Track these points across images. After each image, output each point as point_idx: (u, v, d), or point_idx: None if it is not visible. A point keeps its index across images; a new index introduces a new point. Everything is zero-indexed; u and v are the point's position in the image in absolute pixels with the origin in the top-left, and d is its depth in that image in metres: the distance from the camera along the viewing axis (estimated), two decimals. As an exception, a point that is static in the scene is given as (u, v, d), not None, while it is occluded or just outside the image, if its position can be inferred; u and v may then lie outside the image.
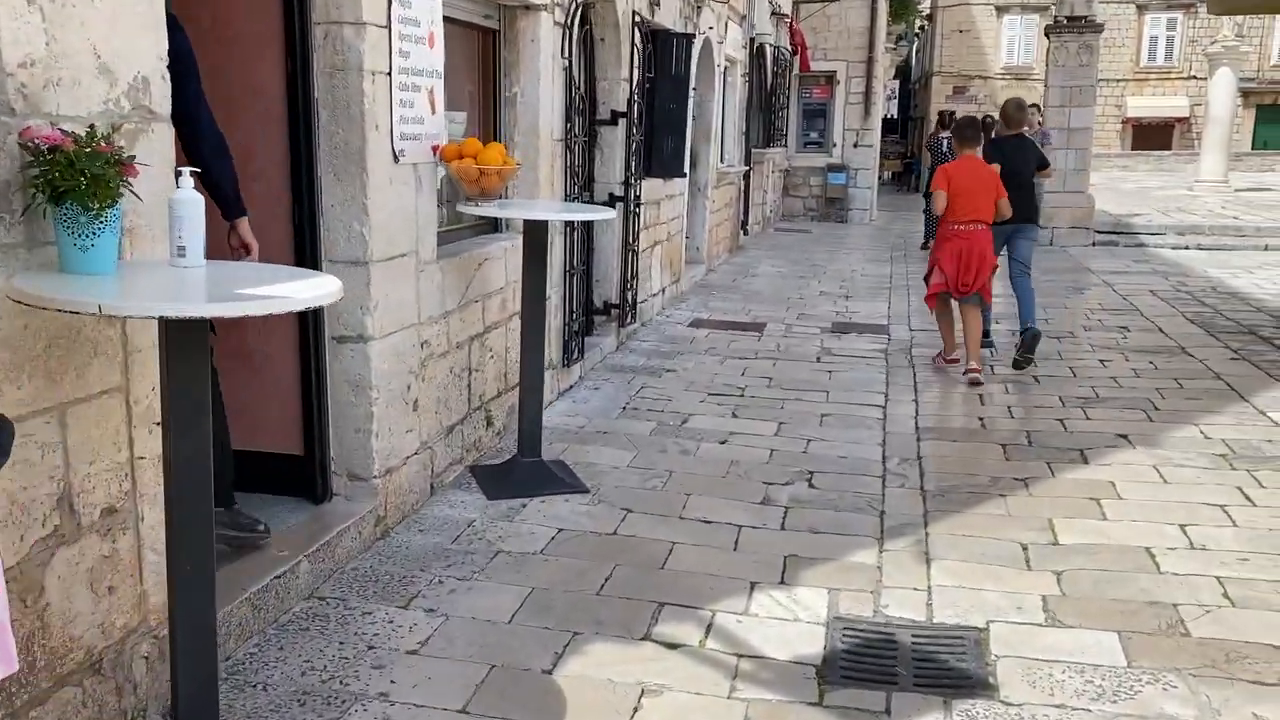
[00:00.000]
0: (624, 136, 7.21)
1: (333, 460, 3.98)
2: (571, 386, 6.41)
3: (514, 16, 5.40)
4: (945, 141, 12.70)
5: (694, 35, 9.13)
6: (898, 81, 37.38)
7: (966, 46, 38.87)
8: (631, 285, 7.58)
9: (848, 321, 8.89)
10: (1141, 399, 6.26)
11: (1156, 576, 3.82)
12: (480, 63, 5.40)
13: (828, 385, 6.70)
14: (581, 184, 6.17)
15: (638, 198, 7.51)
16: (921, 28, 44.44)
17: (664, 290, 9.22)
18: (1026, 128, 8.00)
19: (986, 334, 7.34)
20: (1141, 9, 36.89)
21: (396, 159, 3.95)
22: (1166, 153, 36.16)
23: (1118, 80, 37.78)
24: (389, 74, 3.87)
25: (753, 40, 13.26)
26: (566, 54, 5.81)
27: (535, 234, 4.45)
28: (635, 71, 7.30)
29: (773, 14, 14.94)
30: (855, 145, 20.06)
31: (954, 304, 7.14)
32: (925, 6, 40.14)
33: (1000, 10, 38.37)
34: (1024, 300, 7.25)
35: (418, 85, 4.09)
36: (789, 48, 17.29)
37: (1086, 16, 13.81)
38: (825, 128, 20.29)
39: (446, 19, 4.89)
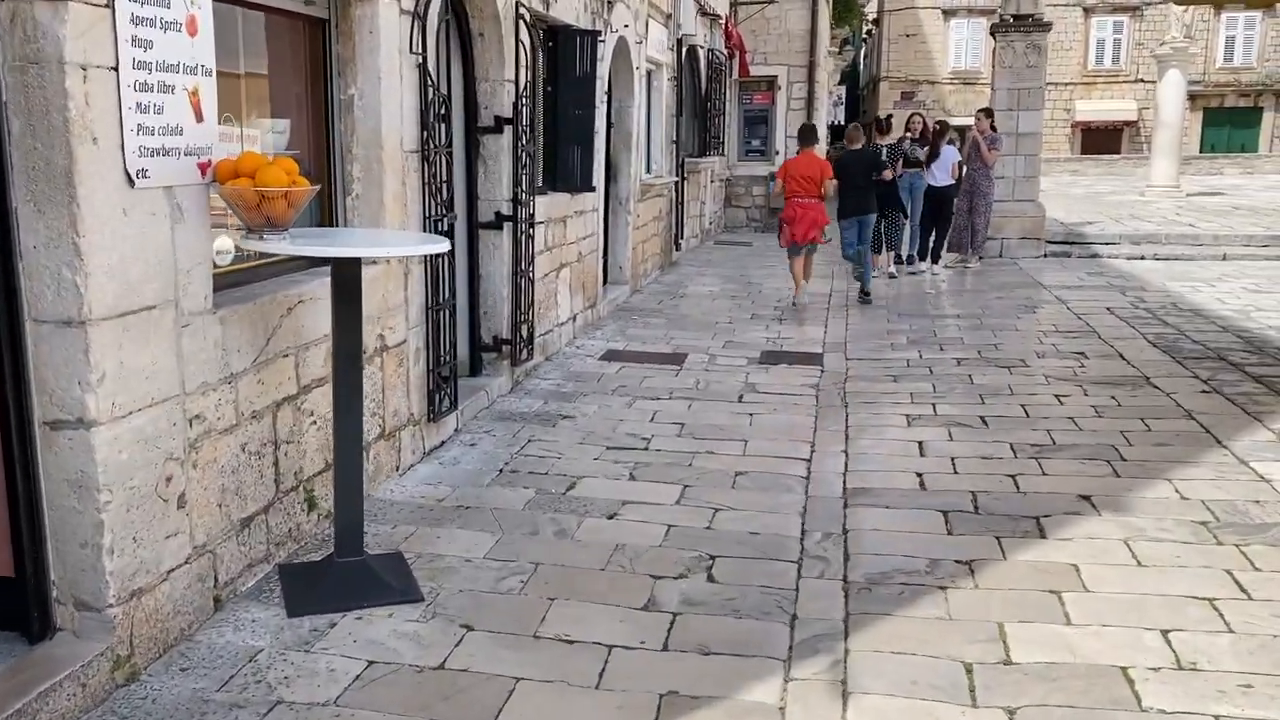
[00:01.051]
0: (510, 146, 6.26)
1: (54, 584, 2.99)
2: (443, 444, 5.44)
3: (347, 3, 4.43)
4: (883, 150, 11.91)
5: (600, 33, 8.21)
6: (844, 87, 36.83)
7: (914, 51, 38.42)
8: (527, 317, 6.62)
9: (779, 350, 8.00)
10: (1104, 446, 5.41)
11: (1138, 717, 2.93)
12: (308, 59, 4.42)
13: (747, 432, 5.79)
14: (447, 202, 5.21)
15: (531, 216, 6.56)
16: (869, 32, 44.08)
17: (575, 317, 8.27)
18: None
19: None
20: (1089, 11, 36.66)
21: (133, 182, 2.96)
22: (1116, 157, 35.92)
23: (1066, 84, 37.50)
24: (114, 69, 2.88)
25: (680, 42, 12.38)
26: (419, 49, 4.85)
27: (344, 275, 3.48)
28: (524, 72, 6.35)
29: (703, 14, 14.08)
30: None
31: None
32: (872, 11, 39.70)
33: (947, 14, 37.98)
34: (866, 267, 10.59)
35: (169, 84, 3.11)
36: (724, 51, 16.45)
37: (1033, 15, 13.10)
38: (767, 135, 19.49)
39: (251, 3, 3.92)
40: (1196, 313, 9.18)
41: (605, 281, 10.20)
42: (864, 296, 10.29)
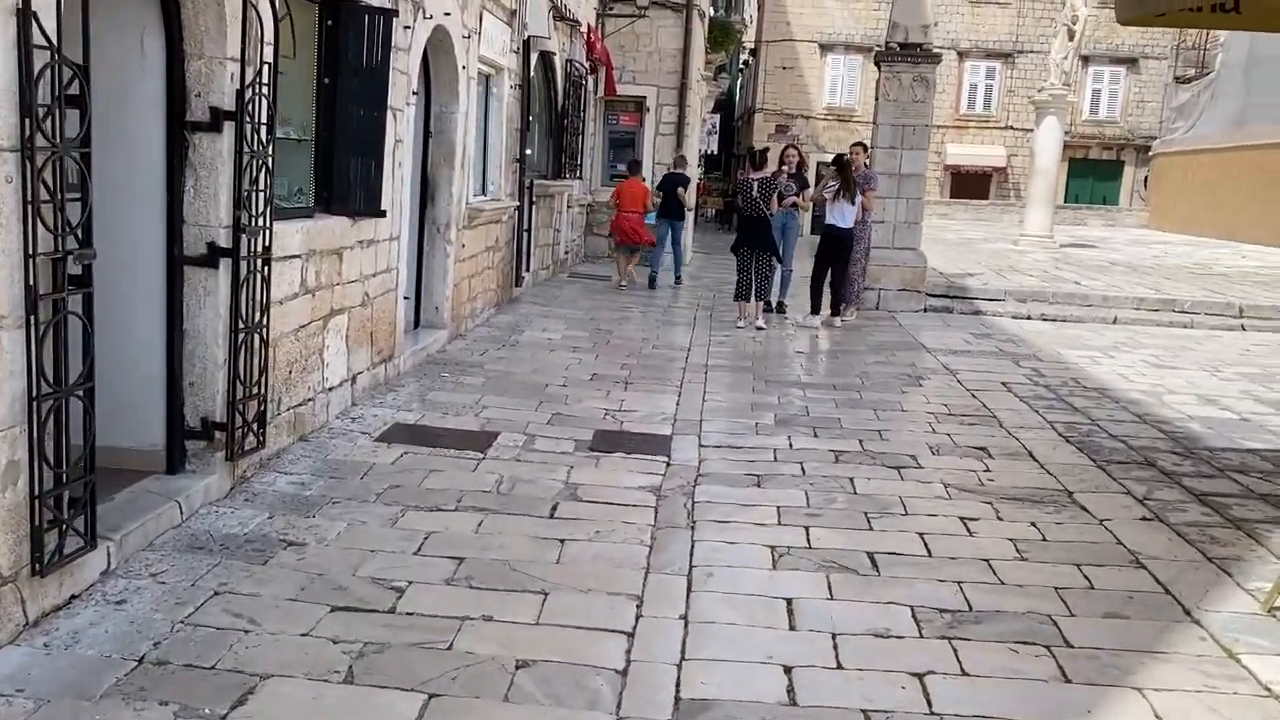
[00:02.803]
0: (232, 151, 4.39)
1: None
2: (72, 600, 3.53)
3: None
4: (755, 184, 10.47)
5: (397, 12, 6.41)
6: (718, 116, 35.84)
7: (790, 84, 37.77)
8: (257, 388, 4.74)
9: (618, 430, 6.32)
10: (1038, 616, 3.88)
11: None
12: None
13: (552, 576, 4.06)
14: (78, 231, 3.33)
15: (266, 249, 4.69)
16: (745, 62, 43.39)
17: (355, 379, 6.40)
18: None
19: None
20: (962, 55, 36.67)
21: None
22: (984, 202, 35.92)
23: (939, 126, 37.38)
24: None
25: (529, 45, 10.66)
26: (13, -12, 2.98)
27: None
28: (258, 49, 4.51)
29: (560, 18, 12.41)
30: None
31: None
32: (749, 40, 38.91)
33: (824, 49, 37.46)
34: (677, 259, 14.01)
35: None
36: (585, 63, 14.83)
37: (922, 45, 11.91)
38: (634, 158, 17.95)
39: None
40: (1103, 394, 7.92)
41: (416, 324, 8.37)
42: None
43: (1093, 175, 36.75)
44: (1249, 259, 20.21)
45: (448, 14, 7.66)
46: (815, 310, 10.94)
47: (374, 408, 6.40)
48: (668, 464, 5.68)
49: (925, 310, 12.09)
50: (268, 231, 4.69)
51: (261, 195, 4.60)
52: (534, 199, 11.90)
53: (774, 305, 11.51)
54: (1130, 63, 35.49)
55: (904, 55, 11.87)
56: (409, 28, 6.81)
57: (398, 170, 6.87)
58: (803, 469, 5.68)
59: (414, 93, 7.10)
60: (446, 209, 8.40)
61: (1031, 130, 37.08)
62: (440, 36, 7.79)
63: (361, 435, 5.80)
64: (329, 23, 5.80)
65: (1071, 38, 20.43)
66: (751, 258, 10.67)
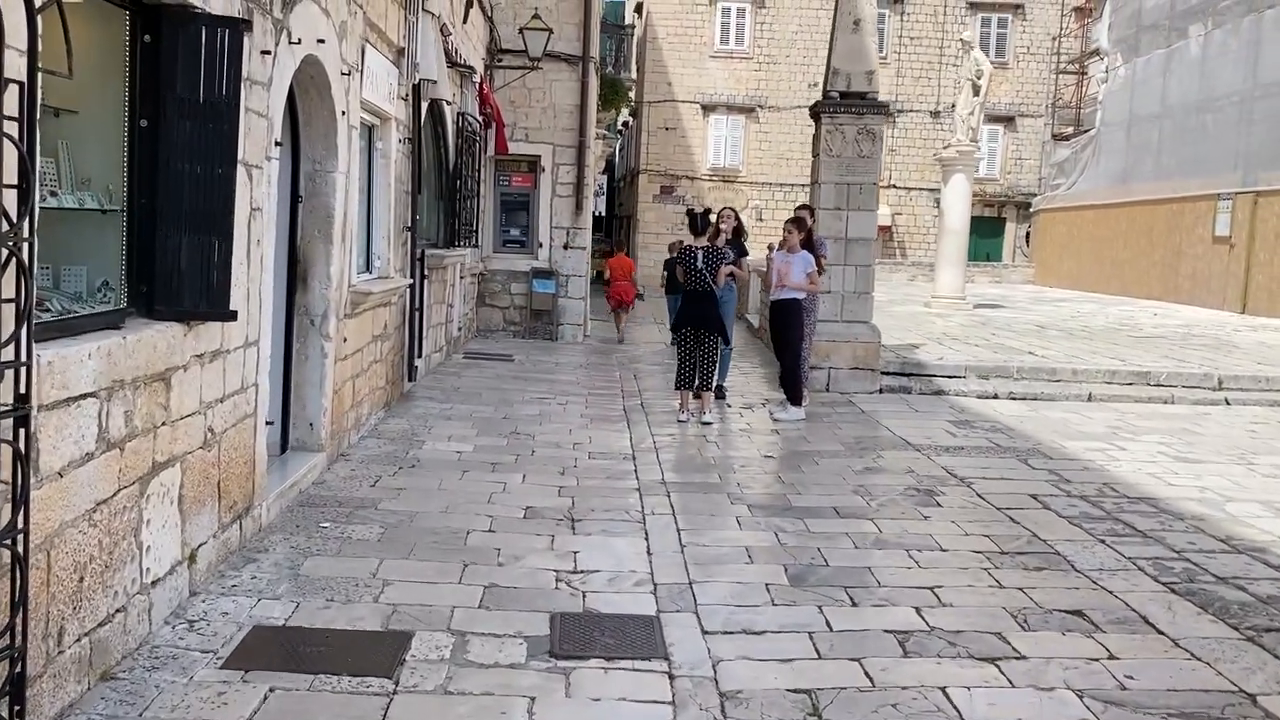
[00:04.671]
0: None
1: None
2: None
3: None
4: (699, 254, 8.87)
5: (249, 23, 4.53)
6: (606, 176, 34.59)
7: (673, 145, 36.82)
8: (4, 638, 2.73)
9: (580, 611, 4.46)
10: None
11: None
12: None
13: None
14: None
15: (21, 397, 2.73)
16: (625, 123, 42.43)
17: (193, 556, 4.37)
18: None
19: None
20: (844, 116, 36.39)
21: None
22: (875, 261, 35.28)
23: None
24: None
25: (419, 91, 8.83)
26: None
27: None
28: (1, 57, 2.60)
29: (452, 64, 10.65)
30: (566, 246, 16.11)
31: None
32: (631, 100, 37.88)
33: (706, 110, 36.68)
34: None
35: None
36: (479, 117, 13.09)
37: (867, 94, 10.58)
38: (529, 224, 16.21)
39: None
40: (1156, 507, 6.47)
41: (284, 447, 6.35)
42: None
43: (976, 232, 36.75)
44: (1163, 316, 19.70)
45: (321, 41, 5.79)
46: (798, 399, 9.28)
47: (223, 597, 4.37)
48: (670, 675, 3.85)
49: (881, 391, 10.62)
50: (23, 369, 2.72)
51: (9, 309, 2.65)
52: (426, 272, 10.01)
53: (720, 390, 9.92)
54: (1008, 121, 35.84)
55: (846, 106, 10.51)
56: (269, 53, 4.92)
57: (255, 249, 4.93)
58: (863, 669, 3.93)
59: (277, 144, 5.19)
60: (323, 295, 6.44)
61: (916, 189, 37.40)
62: (312, 72, 5.91)
63: (202, 658, 3.78)
64: (146, 38, 3.89)
65: (977, 93, 19.78)
66: (695, 340, 9.01)
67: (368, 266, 8.12)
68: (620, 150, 44.18)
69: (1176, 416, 9.79)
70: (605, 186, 34.91)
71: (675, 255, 9.23)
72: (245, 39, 4.36)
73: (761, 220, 36.38)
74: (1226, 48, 23.50)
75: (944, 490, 6.72)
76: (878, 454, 7.83)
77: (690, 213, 9.40)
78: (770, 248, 10.26)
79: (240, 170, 4.59)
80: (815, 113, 10.81)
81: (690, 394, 9.06)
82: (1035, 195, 35.39)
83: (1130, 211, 26.99)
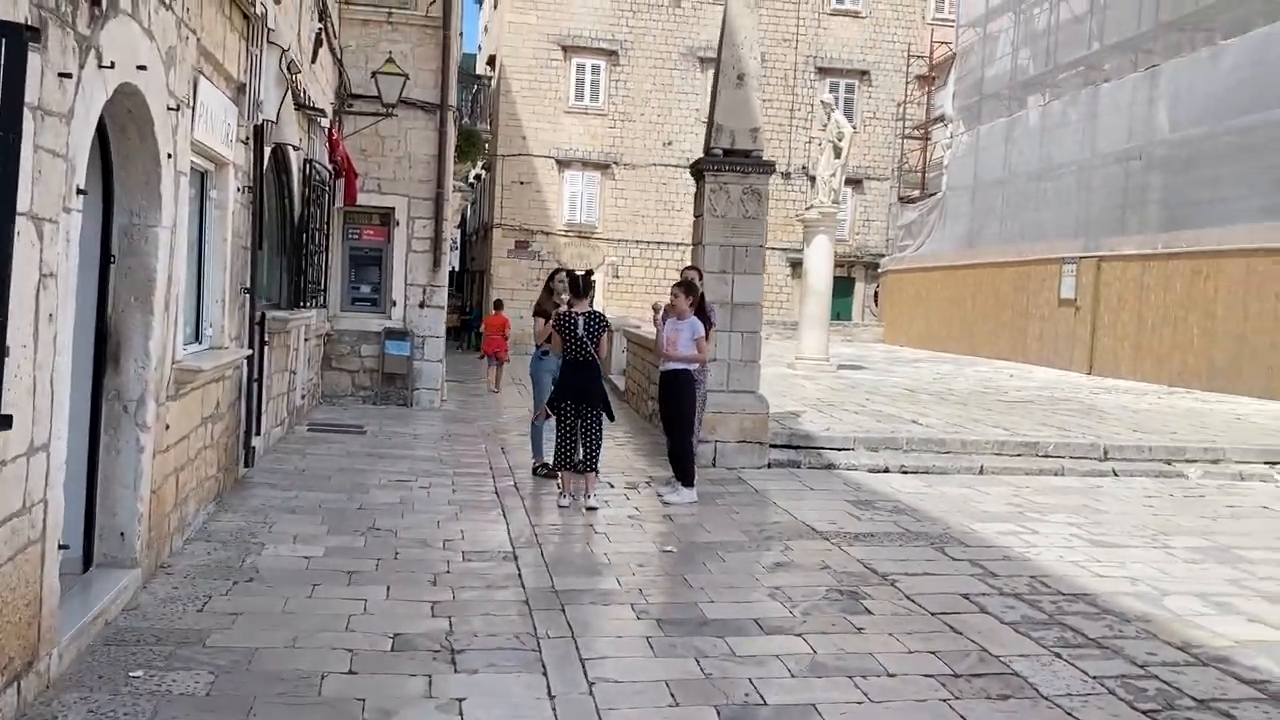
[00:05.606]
0: None
1: None
2: None
3: None
4: (581, 320, 8.06)
5: (35, 33, 3.45)
6: (458, 230, 33.49)
7: (528, 199, 36.09)
8: None
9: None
10: None
11: None
12: None
13: None
14: None
15: None
16: (477, 176, 41.53)
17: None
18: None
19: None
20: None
21: None
22: (732, 320, 35.22)
23: (678, 244, 36.92)
24: None
25: (260, 131, 7.71)
26: None
27: None
28: None
29: (299, 106, 9.56)
30: (422, 305, 15.01)
31: None
32: (486, 152, 37.06)
33: (561, 165, 36.16)
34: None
35: None
36: (329, 166, 11.97)
37: (752, 151, 10.04)
38: (381, 280, 15.05)
39: None
40: (1096, 605, 5.92)
41: (86, 565, 5.12)
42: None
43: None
44: (1018, 378, 20.01)
45: (142, 68, 4.71)
46: (690, 480, 8.47)
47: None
48: None
49: (770, 466, 9.96)
50: None
51: None
52: (267, 338, 8.81)
53: (546, 466, 9.12)
54: (856, 183, 36.63)
55: (731, 164, 9.94)
56: (68, 76, 3.84)
57: (47, 327, 3.80)
58: None
59: (80, 191, 4.08)
60: (140, 376, 5.27)
61: (769, 249, 37.70)
62: (130, 104, 4.81)
63: None
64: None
65: (838, 155, 19.81)
66: (576, 414, 8.13)
67: (197, 336, 6.93)
68: (473, 204, 43.16)
69: (1071, 490, 9.48)
70: (458, 241, 33.76)
71: (554, 321, 8.35)
72: (32, 55, 3.30)
73: (619, 277, 35.98)
74: (1066, 118, 24.50)
75: (869, 592, 6.00)
76: (785, 545, 7.09)
77: (571, 275, 8.57)
78: (656, 309, 9.52)
79: (25, 225, 3.50)
80: (698, 171, 10.19)
81: (572, 475, 8.16)
82: (883, 256, 36.23)
83: (978, 273, 27.74)
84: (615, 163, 36.12)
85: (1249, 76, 18.57)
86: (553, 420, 8.34)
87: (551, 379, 9.11)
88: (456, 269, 35.68)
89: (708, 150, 10.14)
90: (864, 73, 37.05)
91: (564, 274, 9.43)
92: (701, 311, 8.69)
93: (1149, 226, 21.08)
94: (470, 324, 38.42)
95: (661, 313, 8.97)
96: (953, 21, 34.06)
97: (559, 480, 8.31)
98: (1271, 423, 13.37)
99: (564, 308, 8.53)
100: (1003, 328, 26.17)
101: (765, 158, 10.15)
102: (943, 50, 34.17)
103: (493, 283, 35.24)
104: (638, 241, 36.39)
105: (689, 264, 10.12)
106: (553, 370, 9.19)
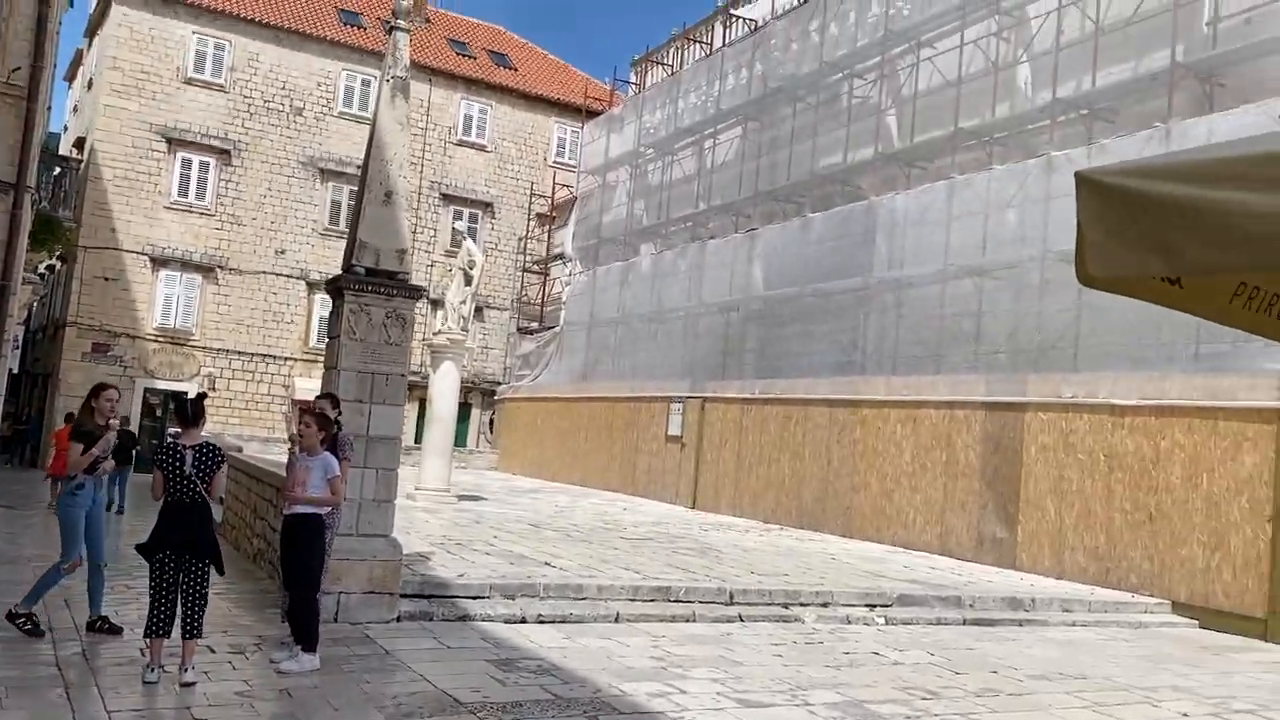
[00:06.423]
0: None
1: None
2: None
3: None
4: (190, 454, 6.84)
5: None
6: (23, 328, 29.02)
7: (113, 298, 32.34)
8: None
9: None
10: None
11: None
12: None
13: None
14: None
15: None
16: (50, 267, 36.70)
17: None
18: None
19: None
20: (312, 286, 34.80)
21: None
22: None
23: (286, 358, 34.72)
24: None
25: None
26: None
27: None
28: None
29: None
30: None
31: None
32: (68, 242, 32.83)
33: (157, 263, 32.92)
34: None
35: None
36: None
37: (398, 273, 9.37)
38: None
39: None
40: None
41: None
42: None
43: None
44: (631, 512, 20.47)
45: None
46: (313, 644, 7.26)
47: None
48: None
49: (400, 619, 9.01)
50: None
51: None
52: None
53: (104, 621, 7.82)
54: (477, 311, 36.79)
55: (375, 285, 9.19)
56: None
57: None
58: None
59: None
60: None
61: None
62: None
63: None
64: None
65: (469, 282, 19.59)
66: (178, 567, 6.78)
67: None
68: (42, 299, 37.91)
69: (706, 640, 9.45)
70: (19, 339, 29.24)
71: (157, 455, 7.01)
72: None
73: (215, 390, 32.96)
74: (676, 267, 26.27)
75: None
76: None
77: (183, 402, 7.29)
78: (291, 439, 8.39)
79: None
80: (336, 288, 9.32)
81: (164, 643, 6.75)
82: (500, 384, 36.42)
83: (592, 406, 28.53)
84: (220, 266, 33.59)
85: (831, 247, 20.98)
86: (85, 567, 7.39)
87: (86, 517, 7.91)
88: (15, 371, 30.79)
89: (348, 267, 9.33)
90: (488, 204, 37.76)
91: (112, 390, 8.23)
92: (335, 446, 7.76)
93: (748, 373, 22.85)
94: (26, 435, 33.24)
95: (294, 441, 7.91)
96: (574, 166, 35.86)
97: (145, 647, 6.85)
98: (860, 563, 14.52)
99: (168, 438, 7.23)
100: (614, 460, 26.95)
101: (413, 282, 9.52)
102: (564, 192, 35.74)
103: (61, 389, 30.82)
104: (240, 353, 33.79)
105: (325, 391, 9.10)
106: (88, 507, 7.95)
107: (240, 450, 19.36)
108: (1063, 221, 16.02)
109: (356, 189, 10.20)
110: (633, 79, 33.39)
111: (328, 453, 7.62)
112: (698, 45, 29.62)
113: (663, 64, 31.02)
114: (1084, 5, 16.72)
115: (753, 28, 26.57)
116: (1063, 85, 16.86)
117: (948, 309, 17.96)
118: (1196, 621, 12.62)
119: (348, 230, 9.86)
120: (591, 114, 34.37)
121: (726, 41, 27.62)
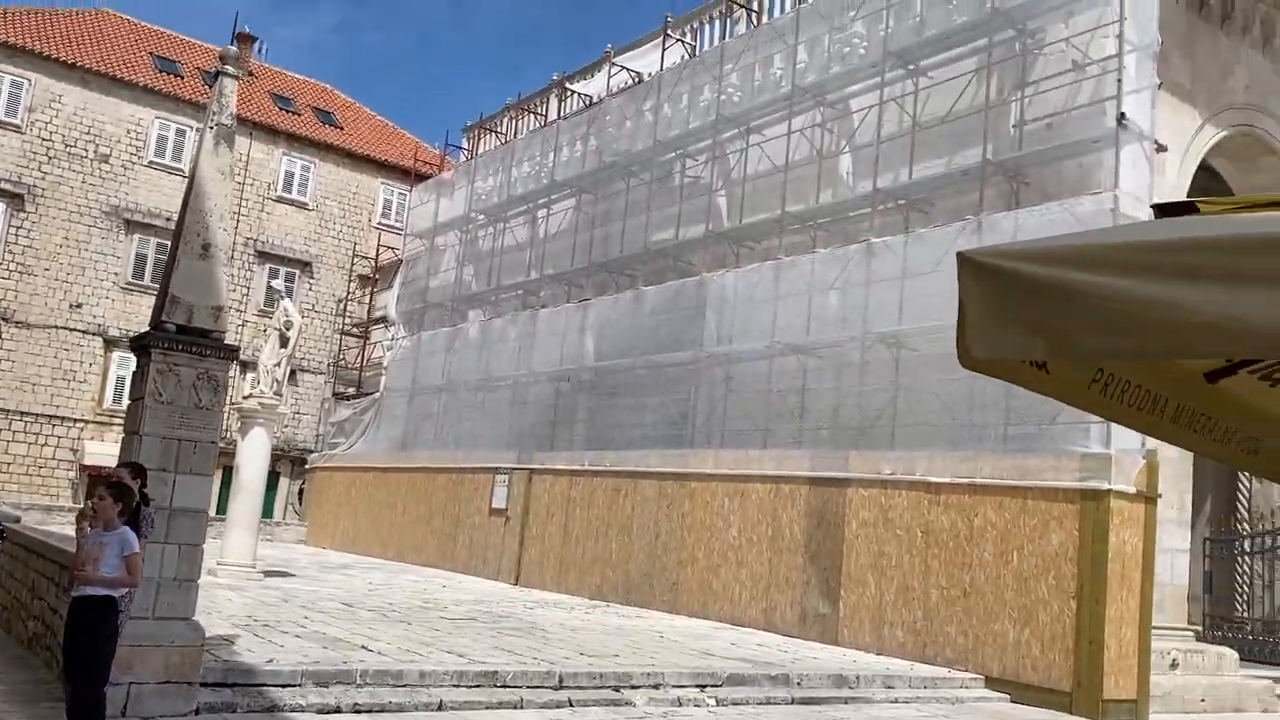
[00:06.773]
0: None
1: None
2: None
3: None
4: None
5: None
6: None
7: None
8: None
9: None
10: None
11: None
12: None
13: None
14: None
15: None
16: None
17: None
18: None
19: None
20: (111, 344, 32.45)
21: None
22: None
23: (76, 420, 32.12)
24: None
25: None
26: None
27: None
28: None
29: None
30: None
31: None
32: None
33: None
34: None
35: None
36: None
37: (213, 331, 8.67)
38: None
39: None
40: None
41: None
42: None
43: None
44: (451, 589, 19.68)
45: None
46: None
47: None
48: None
49: (199, 711, 8.15)
50: None
51: None
52: None
53: None
54: (291, 375, 35.18)
55: (186, 344, 8.47)
56: None
57: None
58: None
59: None
60: None
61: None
62: None
63: None
64: None
65: (285, 344, 18.61)
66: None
67: None
68: None
69: (538, 728, 9.00)
70: None
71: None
72: None
73: (-11, 454, 30.07)
74: (505, 335, 25.89)
75: None
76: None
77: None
78: (83, 515, 7.45)
79: None
80: (143, 346, 8.54)
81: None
82: (312, 451, 34.77)
83: (411, 477, 27.50)
84: (6, 319, 30.93)
85: (663, 320, 21.16)
86: None
87: None
88: None
89: (157, 324, 8.57)
90: (307, 264, 36.50)
91: None
92: (135, 520, 6.99)
93: (577, 444, 22.58)
94: None
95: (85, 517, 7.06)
96: (399, 229, 35.10)
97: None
98: (688, 640, 14.34)
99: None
100: (433, 534, 25.98)
101: (228, 342, 8.84)
102: (389, 255, 34.88)
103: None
104: (24, 413, 31.11)
105: (125, 460, 8.24)
106: None
107: (19, 520, 17.53)
108: (881, 305, 16.72)
109: (170, 241, 9.46)
110: (465, 145, 33.15)
111: (126, 527, 6.84)
112: (532, 115, 29.73)
113: (496, 132, 30.96)
114: (903, 102, 17.69)
115: (588, 103, 26.89)
116: (882, 176, 17.70)
117: (774, 385, 18.32)
118: (1008, 696, 13.04)
119: (159, 284, 9.11)
120: (421, 177, 33.86)
121: (561, 114, 27.83)
